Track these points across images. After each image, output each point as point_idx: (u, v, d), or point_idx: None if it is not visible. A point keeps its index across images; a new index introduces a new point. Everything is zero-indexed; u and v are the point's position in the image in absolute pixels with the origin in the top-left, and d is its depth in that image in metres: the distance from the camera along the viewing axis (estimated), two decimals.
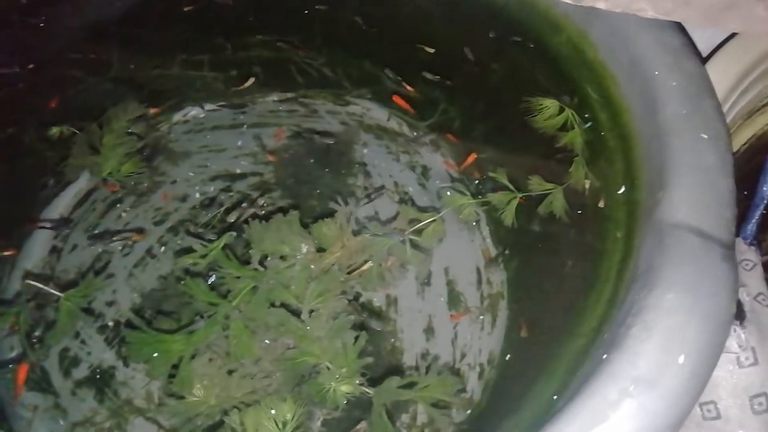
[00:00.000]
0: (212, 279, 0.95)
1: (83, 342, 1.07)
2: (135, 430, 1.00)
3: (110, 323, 1.08)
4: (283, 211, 0.98)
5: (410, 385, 0.76)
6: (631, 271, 0.68)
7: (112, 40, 1.25)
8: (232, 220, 1.16)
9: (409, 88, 1.26)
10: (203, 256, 0.82)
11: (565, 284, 0.88)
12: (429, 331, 1.06)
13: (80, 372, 1.05)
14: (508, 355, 1.01)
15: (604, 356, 0.60)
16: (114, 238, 1.15)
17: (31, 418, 1.01)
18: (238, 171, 1.24)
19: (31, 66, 1.17)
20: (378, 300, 1.07)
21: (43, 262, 1.15)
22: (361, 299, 1.06)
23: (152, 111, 1.25)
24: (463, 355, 1.04)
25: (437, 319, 1.07)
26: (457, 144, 1.22)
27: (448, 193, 0.88)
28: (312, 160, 1.25)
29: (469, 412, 0.96)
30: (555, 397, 0.69)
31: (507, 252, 1.10)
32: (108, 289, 1.11)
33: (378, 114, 1.30)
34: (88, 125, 1.10)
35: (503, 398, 0.92)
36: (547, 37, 1.01)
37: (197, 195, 1.21)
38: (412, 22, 1.22)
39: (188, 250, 0.92)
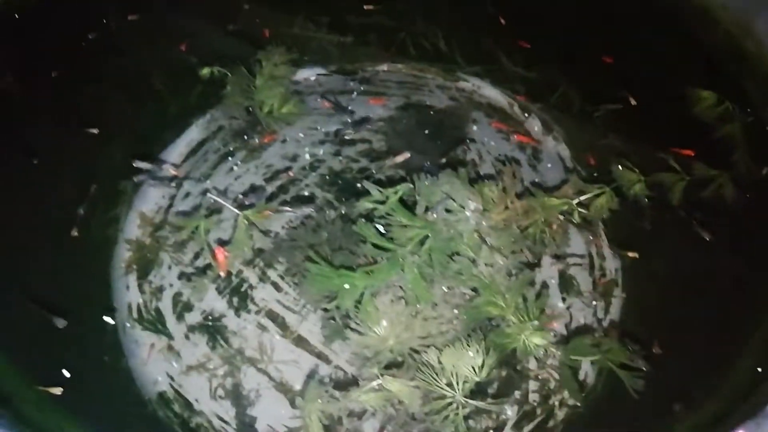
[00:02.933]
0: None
1: (195, 288, 1.05)
2: (247, 380, 0.98)
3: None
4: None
5: (596, 346, 0.75)
6: None
7: None
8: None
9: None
10: (382, 202, 0.81)
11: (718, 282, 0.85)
12: None
13: (193, 317, 1.03)
14: None
15: None
16: None
17: (146, 358, 0.99)
18: (347, 137, 1.24)
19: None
20: None
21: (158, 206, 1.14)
22: None
23: None
24: None
25: None
26: (573, 128, 1.22)
27: (619, 167, 0.87)
28: (421, 132, 1.25)
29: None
30: None
31: (630, 239, 1.10)
32: None
33: (489, 92, 1.30)
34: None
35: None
36: (701, 30, 1.01)
37: (307, 156, 1.20)
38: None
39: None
